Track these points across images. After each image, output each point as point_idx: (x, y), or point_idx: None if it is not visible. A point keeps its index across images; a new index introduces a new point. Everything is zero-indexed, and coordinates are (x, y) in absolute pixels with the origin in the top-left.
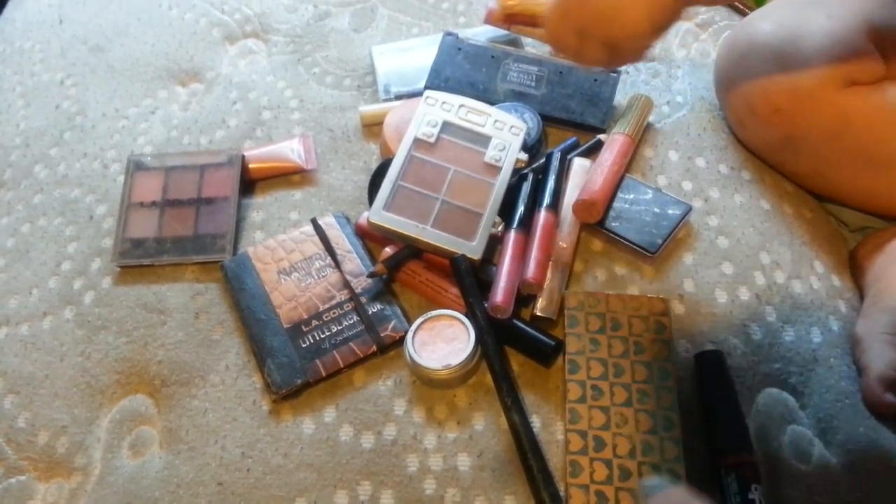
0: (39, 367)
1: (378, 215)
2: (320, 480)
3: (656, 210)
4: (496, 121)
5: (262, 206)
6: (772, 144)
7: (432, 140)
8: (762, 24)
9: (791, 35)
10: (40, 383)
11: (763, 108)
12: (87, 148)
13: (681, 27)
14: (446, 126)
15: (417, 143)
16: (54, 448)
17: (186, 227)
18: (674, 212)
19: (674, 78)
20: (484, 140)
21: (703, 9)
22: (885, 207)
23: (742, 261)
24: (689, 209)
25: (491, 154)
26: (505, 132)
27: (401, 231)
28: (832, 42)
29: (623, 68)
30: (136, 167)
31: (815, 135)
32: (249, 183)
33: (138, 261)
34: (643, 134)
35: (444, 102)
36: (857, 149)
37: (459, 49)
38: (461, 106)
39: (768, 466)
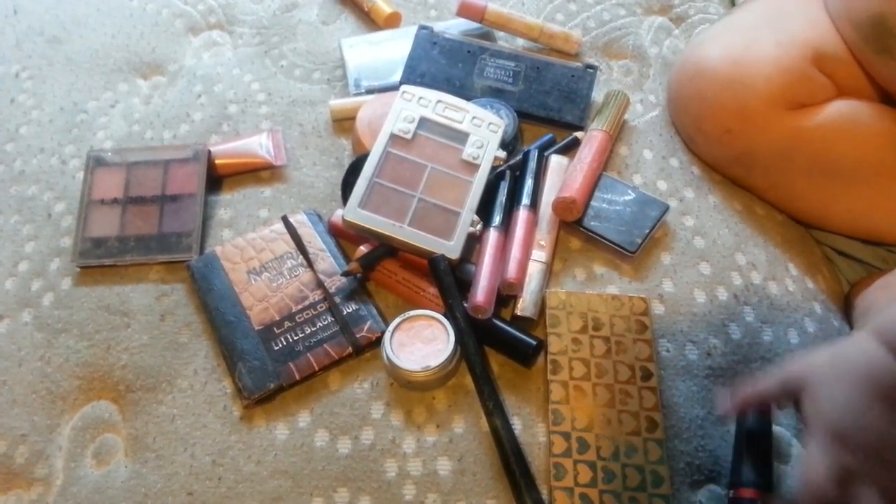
0: None
1: (353, 213)
2: (295, 488)
3: (634, 209)
4: (474, 117)
5: (229, 204)
6: (723, 161)
7: (409, 136)
8: (710, 48)
9: (738, 60)
10: None
11: (713, 129)
12: (44, 143)
13: (654, 22)
14: (423, 122)
15: (394, 139)
16: (13, 458)
17: (150, 226)
18: (652, 211)
19: (645, 77)
20: (461, 137)
21: (677, 1)
22: (839, 221)
23: (719, 261)
24: (667, 208)
25: (469, 151)
26: (483, 129)
27: (377, 230)
28: (779, 70)
29: (597, 64)
30: (96, 163)
31: (765, 153)
32: (216, 179)
33: (100, 261)
34: (619, 131)
35: (420, 98)
36: (810, 163)
37: (434, 43)
38: (438, 101)
39: None
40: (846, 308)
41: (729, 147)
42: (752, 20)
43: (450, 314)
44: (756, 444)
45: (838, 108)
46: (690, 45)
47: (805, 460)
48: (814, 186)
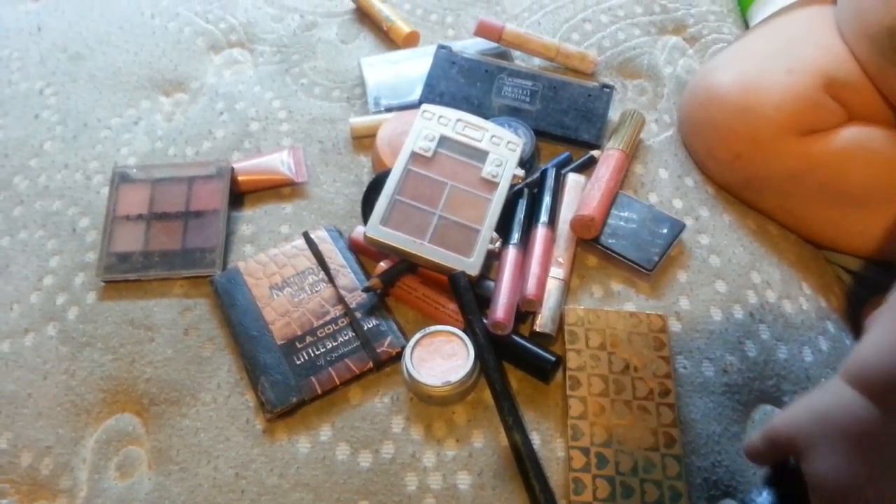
0: (22, 385)
1: (375, 230)
2: (317, 501)
3: (651, 227)
4: (493, 136)
5: (251, 220)
6: (735, 185)
7: (429, 154)
8: (721, 75)
9: (750, 87)
10: (23, 402)
11: (724, 154)
12: (68, 159)
13: (668, 42)
14: (443, 140)
15: (414, 157)
16: (38, 470)
17: (174, 241)
18: (668, 229)
19: (660, 96)
20: (481, 155)
21: (692, 20)
22: (850, 243)
23: (734, 279)
24: (683, 227)
25: (488, 170)
26: (502, 148)
27: (398, 246)
28: (790, 98)
29: (613, 84)
30: (121, 179)
31: (777, 177)
32: (238, 195)
33: (124, 275)
34: (634, 150)
35: (440, 116)
36: (821, 187)
37: (453, 63)
38: (458, 120)
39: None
40: (855, 328)
41: (740, 172)
42: (763, 46)
43: (469, 330)
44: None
45: (849, 135)
46: (702, 72)
47: None
48: (825, 211)
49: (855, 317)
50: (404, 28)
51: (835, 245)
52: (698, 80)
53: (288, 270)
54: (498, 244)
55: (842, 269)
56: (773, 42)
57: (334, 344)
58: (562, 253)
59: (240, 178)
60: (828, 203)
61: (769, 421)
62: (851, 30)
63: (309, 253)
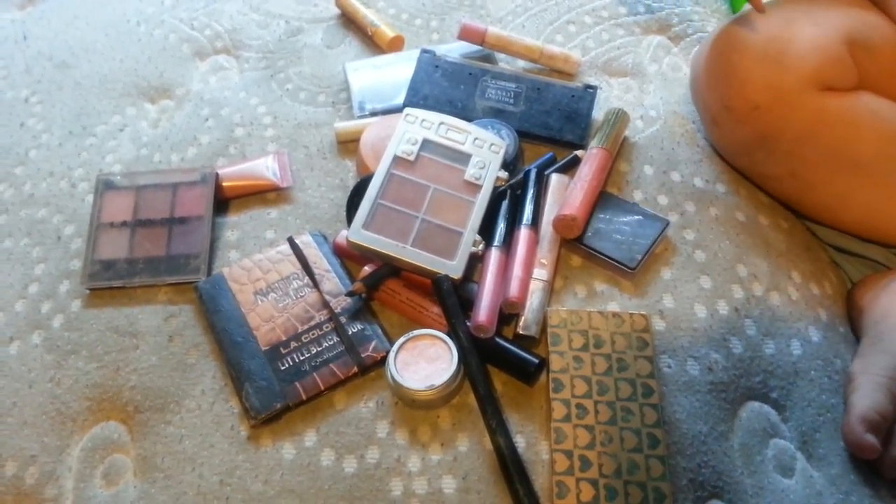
0: (6, 394)
1: (357, 234)
2: None
3: (634, 225)
4: (476, 139)
5: (236, 225)
6: (745, 143)
7: (412, 158)
8: (746, 25)
9: (775, 36)
10: (8, 411)
11: (741, 104)
12: (53, 167)
13: (653, 41)
14: (426, 144)
15: (397, 160)
16: (23, 479)
17: (159, 248)
18: (651, 227)
19: (646, 93)
20: (464, 158)
21: (676, 20)
22: (852, 218)
23: (720, 274)
24: (667, 224)
25: (471, 172)
26: (485, 150)
27: (380, 250)
28: (815, 48)
29: (597, 84)
30: (105, 186)
31: (790, 134)
32: (223, 201)
33: (109, 283)
34: (619, 148)
35: (423, 120)
36: (833, 149)
37: (437, 66)
38: (441, 123)
39: (753, 481)
40: (849, 308)
41: (755, 125)
42: (786, 8)
43: (453, 333)
44: None
45: (866, 100)
46: (723, 25)
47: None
48: (832, 178)
49: (848, 296)
50: (389, 33)
51: (836, 219)
52: (720, 31)
53: (272, 276)
54: (481, 247)
55: (835, 251)
56: (796, 4)
57: (319, 349)
58: (545, 254)
59: (224, 183)
60: (835, 169)
61: (854, 413)
62: None
63: (294, 258)
